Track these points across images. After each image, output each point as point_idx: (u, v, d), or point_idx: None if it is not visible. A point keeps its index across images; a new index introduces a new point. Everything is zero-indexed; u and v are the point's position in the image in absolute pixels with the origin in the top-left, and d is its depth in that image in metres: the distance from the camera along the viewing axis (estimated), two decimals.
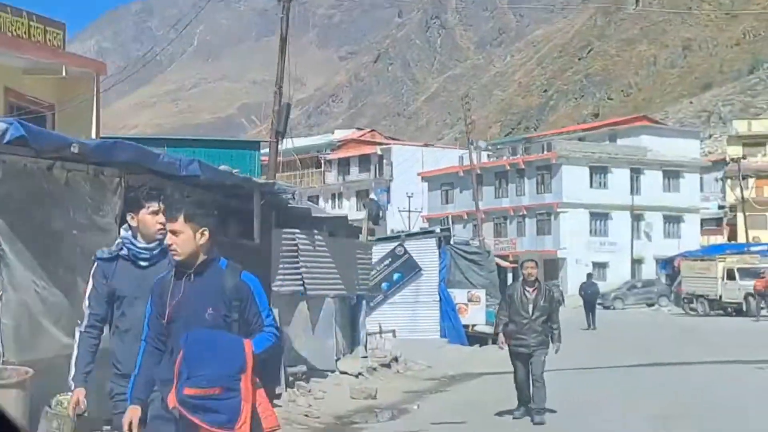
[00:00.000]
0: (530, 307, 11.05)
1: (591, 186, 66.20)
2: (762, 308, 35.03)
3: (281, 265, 14.38)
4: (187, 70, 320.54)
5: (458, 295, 26.50)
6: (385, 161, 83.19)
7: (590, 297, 32.74)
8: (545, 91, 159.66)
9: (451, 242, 28.93)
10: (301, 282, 14.60)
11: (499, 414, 11.32)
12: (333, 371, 15.04)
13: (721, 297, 39.77)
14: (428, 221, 69.47)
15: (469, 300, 27.26)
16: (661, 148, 68.46)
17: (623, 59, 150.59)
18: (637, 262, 65.37)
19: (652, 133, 71.84)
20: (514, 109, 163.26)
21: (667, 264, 58.49)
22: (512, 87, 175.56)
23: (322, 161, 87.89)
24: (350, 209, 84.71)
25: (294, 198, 14.22)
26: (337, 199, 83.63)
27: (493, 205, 70.80)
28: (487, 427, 10.64)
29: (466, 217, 67.67)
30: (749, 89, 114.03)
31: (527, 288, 11.18)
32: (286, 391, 12.70)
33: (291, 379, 13.52)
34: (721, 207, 74.29)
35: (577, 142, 71.28)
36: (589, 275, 35.91)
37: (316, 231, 15.28)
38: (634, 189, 65.98)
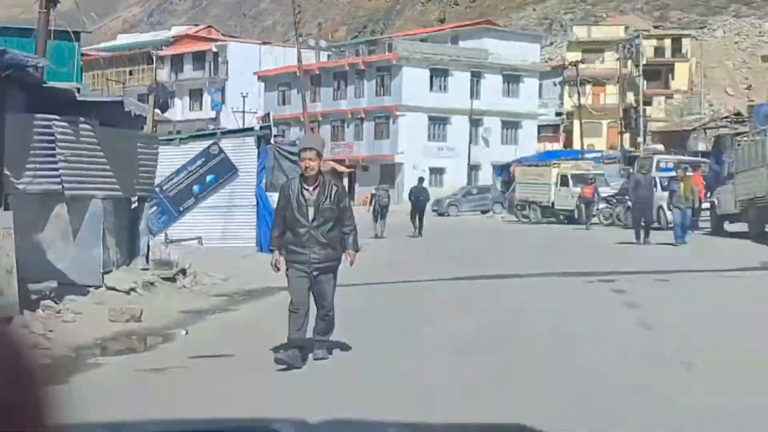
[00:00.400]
0: (310, 210, 8.41)
1: (431, 89, 64.55)
2: (594, 215, 34.05)
3: (31, 158, 11.85)
4: None
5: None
6: (220, 59, 79.81)
7: (420, 203, 31.04)
8: None
9: (272, 141, 26.88)
10: (58, 179, 12.12)
11: (276, 349, 8.98)
12: (98, 287, 12.64)
13: (553, 204, 38.74)
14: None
15: None
16: (503, 52, 67.15)
17: None
18: (474, 168, 64.45)
19: (494, 36, 70.32)
20: (362, 12, 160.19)
21: (503, 170, 57.73)
22: None
23: (154, 57, 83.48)
24: (182, 108, 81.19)
25: (37, 69, 11.60)
26: (168, 98, 79.55)
27: (332, 107, 68.60)
28: (255, 364, 8.39)
29: (302, 119, 65.27)
30: None
31: (306, 186, 8.49)
32: (21, 314, 10.28)
33: (35, 297, 11.09)
34: (558, 114, 74.08)
35: (418, 43, 69.32)
36: (420, 179, 34.14)
37: (82, 119, 12.74)
38: (474, 93, 64.65)
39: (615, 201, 34.44)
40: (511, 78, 67.81)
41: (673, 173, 28.65)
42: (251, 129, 27.12)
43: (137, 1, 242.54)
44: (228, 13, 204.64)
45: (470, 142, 63.66)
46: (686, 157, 39.30)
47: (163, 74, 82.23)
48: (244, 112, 69.64)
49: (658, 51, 77.04)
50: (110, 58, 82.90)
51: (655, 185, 25.25)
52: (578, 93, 62.89)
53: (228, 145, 24.39)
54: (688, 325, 10.23)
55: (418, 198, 31.25)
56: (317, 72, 69.19)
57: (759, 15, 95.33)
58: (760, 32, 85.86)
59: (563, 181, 38.14)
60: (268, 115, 34.99)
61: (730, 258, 18.16)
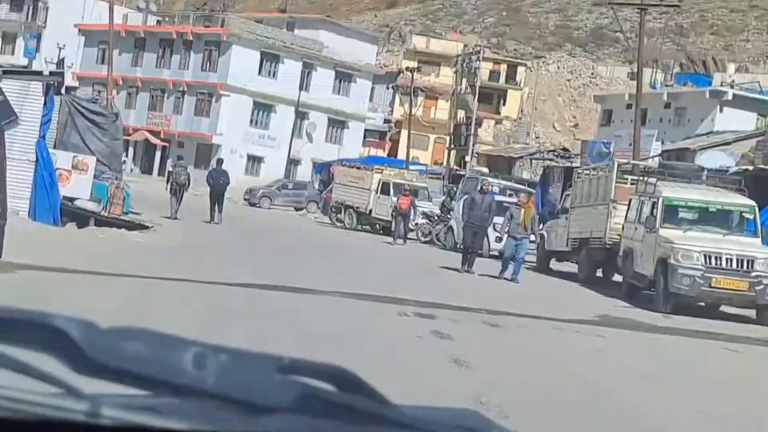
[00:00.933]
0: None
1: (260, 73, 61.29)
2: (412, 230, 31.58)
3: None
4: None
5: (61, 159, 21.69)
6: (40, 3, 74.28)
7: (219, 187, 27.89)
8: None
9: (63, 91, 23.52)
10: None
11: None
12: None
13: (371, 211, 36.17)
14: (80, 80, 62.22)
15: (74, 166, 22.32)
16: (339, 48, 64.51)
17: None
18: (294, 162, 61.63)
19: (331, 30, 67.32)
20: None
21: (322, 168, 55.22)
22: None
23: None
24: None
25: None
26: None
27: (153, 74, 64.38)
28: None
29: (121, 82, 60.88)
30: (432, 13, 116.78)
31: None
32: None
33: None
34: (387, 121, 72.17)
35: (252, 23, 65.79)
36: (219, 161, 30.98)
37: None
38: (304, 84, 61.64)
39: (436, 218, 32.24)
40: (344, 75, 65.29)
41: (500, 197, 26.63)
42: (39, 73, 23.42)
43: None
44: None
45: (293, 135, 60.77)
46: (514, 184, 37.56)
47: None
48: (58, 63, 64.51)
49: (493, 74, 76.34)
50: None
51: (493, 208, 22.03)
52: (411, 101, 60.95)
53: (9, 87, 20.93)
54: (535, 401, 7.66)
55: (218, 182, 28.20)
56: (142, 35, 64.91)
57: (592, 58, 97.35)
58: (593, 74, 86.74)
59: (384, 188, 35.57)
60: (62, 61, 31.19)
61: (563, 304, 15.88)
